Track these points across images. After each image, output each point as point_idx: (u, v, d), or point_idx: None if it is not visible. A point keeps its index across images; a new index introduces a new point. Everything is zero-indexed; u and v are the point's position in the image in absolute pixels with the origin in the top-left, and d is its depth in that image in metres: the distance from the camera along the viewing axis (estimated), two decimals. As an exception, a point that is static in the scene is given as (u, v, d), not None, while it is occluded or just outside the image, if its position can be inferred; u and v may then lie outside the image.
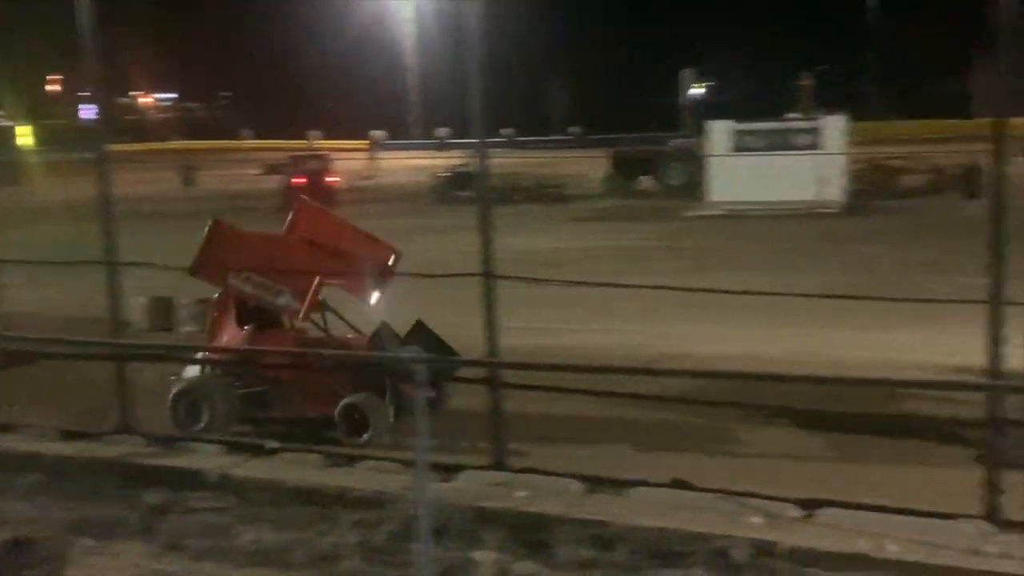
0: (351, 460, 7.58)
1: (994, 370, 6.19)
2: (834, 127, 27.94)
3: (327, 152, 39.23)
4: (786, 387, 9.11)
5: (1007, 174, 6.17)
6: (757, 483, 6.72)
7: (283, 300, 9.23)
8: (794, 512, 6.33)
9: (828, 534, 6.00)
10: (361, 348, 9.27)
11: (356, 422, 8.80)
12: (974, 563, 5.62)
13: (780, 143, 27.94)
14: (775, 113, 32.21)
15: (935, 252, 17.77)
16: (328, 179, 34.88)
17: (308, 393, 9.27)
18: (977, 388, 6.66)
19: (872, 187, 29.19)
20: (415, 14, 69.31)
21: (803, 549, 5.85)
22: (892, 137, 41.22)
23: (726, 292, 9.02)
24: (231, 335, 9.41)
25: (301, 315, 9.29)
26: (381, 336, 9.10)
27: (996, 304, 6.14)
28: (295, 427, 9.11)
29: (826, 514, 6.27)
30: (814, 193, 26.80)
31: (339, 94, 71.71)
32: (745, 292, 9.07)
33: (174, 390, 9.18)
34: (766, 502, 6.44)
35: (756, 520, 6.23)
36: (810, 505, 6.36)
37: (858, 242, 20.92)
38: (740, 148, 28.12)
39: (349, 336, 9.71)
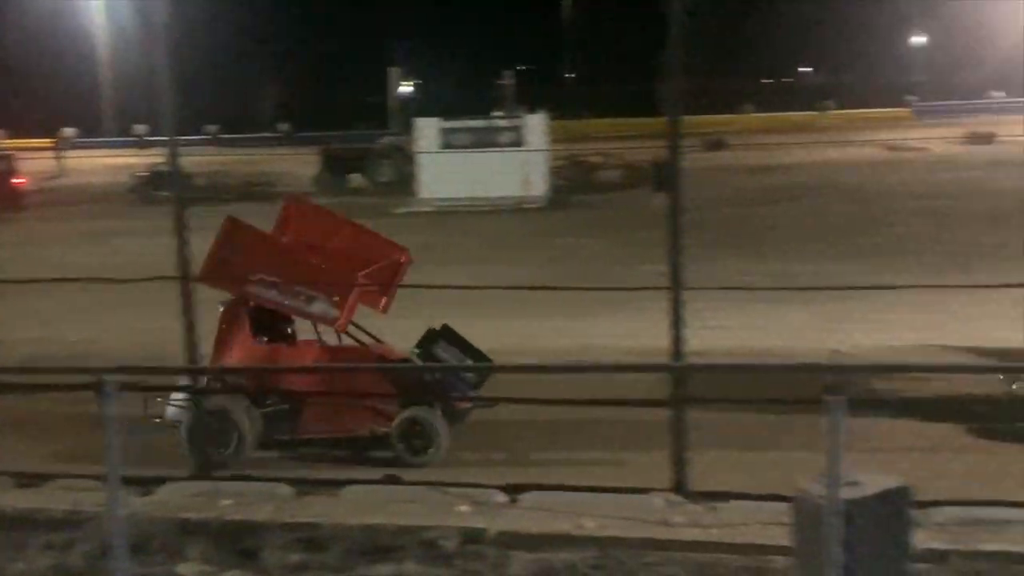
0: (39, 479, 7.12)
1: (676, 351, 6.65)
2: (535, 125, 28.96)
3: (11, 152, 36.41)
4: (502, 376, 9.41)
5: (682, 170, 6.64)
6: (466, 472, 6.88)
7: (317, 308, 8.15)
8: (500, 498, 6.57)
9: (531, 517, 6.27)
10: (398, 359, 8.53)
11: (416, 438, 8.12)
12: (664, 533, 6.05)
13: (486, 140, 28.63)
14: (481, 111, 32.99)
15: (627, 243, 18.75)
16: (13, 180, 32.48)
17: (349, 410, 8.32)
18: (664, 369, 7.12)
19: (572, 182, 30.50)
20: (106, 4, 65.53)
21: (509, 533, 6.08)
22: (589, 135, 43.16)
23: (438, 287, 9.15)
24: (246, 349, 8.36)
25: (340, 324, 8.29)
26: (433, 345, 8.40)
27: (676, 290, 6.60)
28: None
29: (529, 498, 6.54)
30: (519, 189, 27.68)
31: (24, 90, 66.83)
32: (455, 287, 9.22)
33: (188, 415, 8.02)
34: (474, 490, 6.64)
35: (464, 508, 6.41)
36: (515, 490, 6.61)
37: (560, 235, 21.81)
38: (447, 145, 28.60)
39: (381, 345, 8.85)
